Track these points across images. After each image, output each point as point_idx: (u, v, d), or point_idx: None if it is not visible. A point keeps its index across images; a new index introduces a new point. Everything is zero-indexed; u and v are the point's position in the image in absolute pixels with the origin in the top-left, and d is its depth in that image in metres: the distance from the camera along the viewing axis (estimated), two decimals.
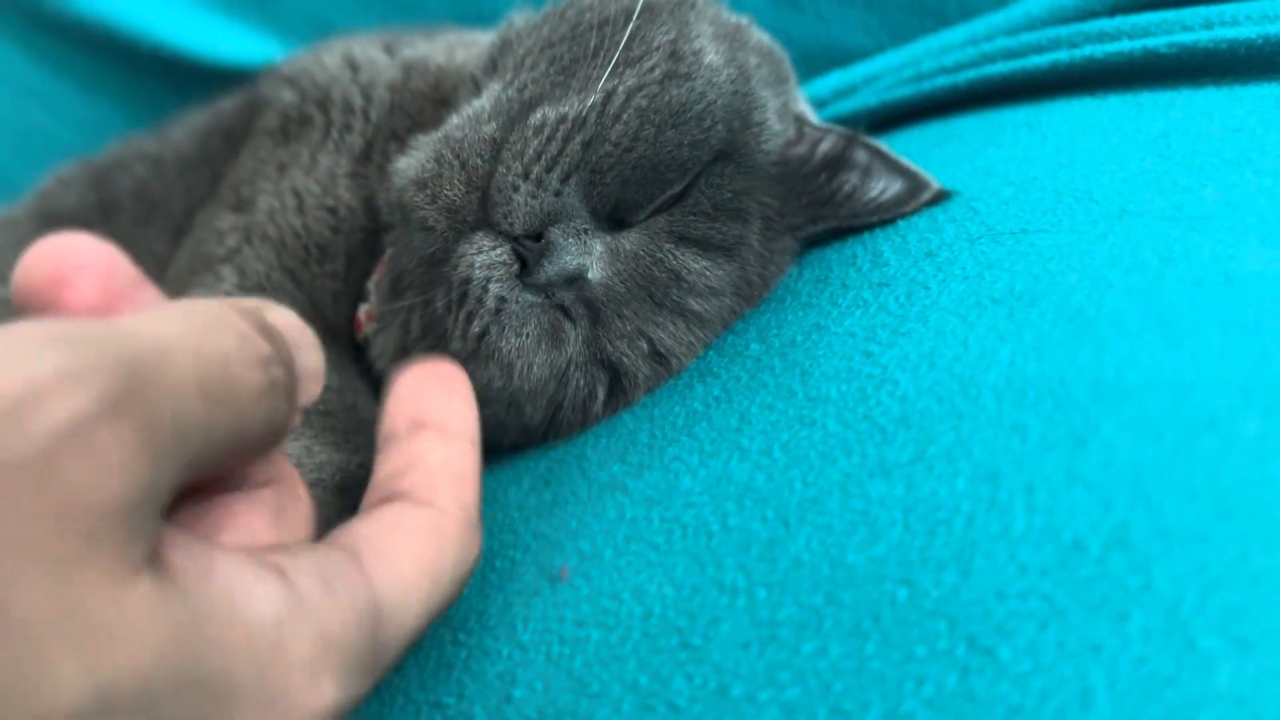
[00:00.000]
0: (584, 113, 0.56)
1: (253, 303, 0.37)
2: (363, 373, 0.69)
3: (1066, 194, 0.56)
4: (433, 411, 0.47)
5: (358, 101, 0.72)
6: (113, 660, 0.27)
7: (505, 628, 0.47)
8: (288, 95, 0.76)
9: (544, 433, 0.61)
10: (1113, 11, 0.75)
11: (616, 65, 0.58)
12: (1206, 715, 0.28)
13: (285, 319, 0.38)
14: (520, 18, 0.69)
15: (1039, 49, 0.72)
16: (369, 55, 0.76)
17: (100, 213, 0.85)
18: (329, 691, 0.34)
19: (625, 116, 0.56)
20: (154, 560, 0.29)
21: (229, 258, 0.70)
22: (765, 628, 0.38)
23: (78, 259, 0.34)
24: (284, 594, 0.33)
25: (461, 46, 0.75)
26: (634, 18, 0.60)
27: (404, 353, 0.63)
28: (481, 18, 0.90)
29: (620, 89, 0.57)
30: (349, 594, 0.36)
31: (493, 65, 0.66)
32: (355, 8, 0.95)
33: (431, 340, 0.60)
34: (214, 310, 0.34)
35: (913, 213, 0.61)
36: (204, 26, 0.99)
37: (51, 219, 0.86)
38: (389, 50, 0.76)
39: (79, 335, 0.28)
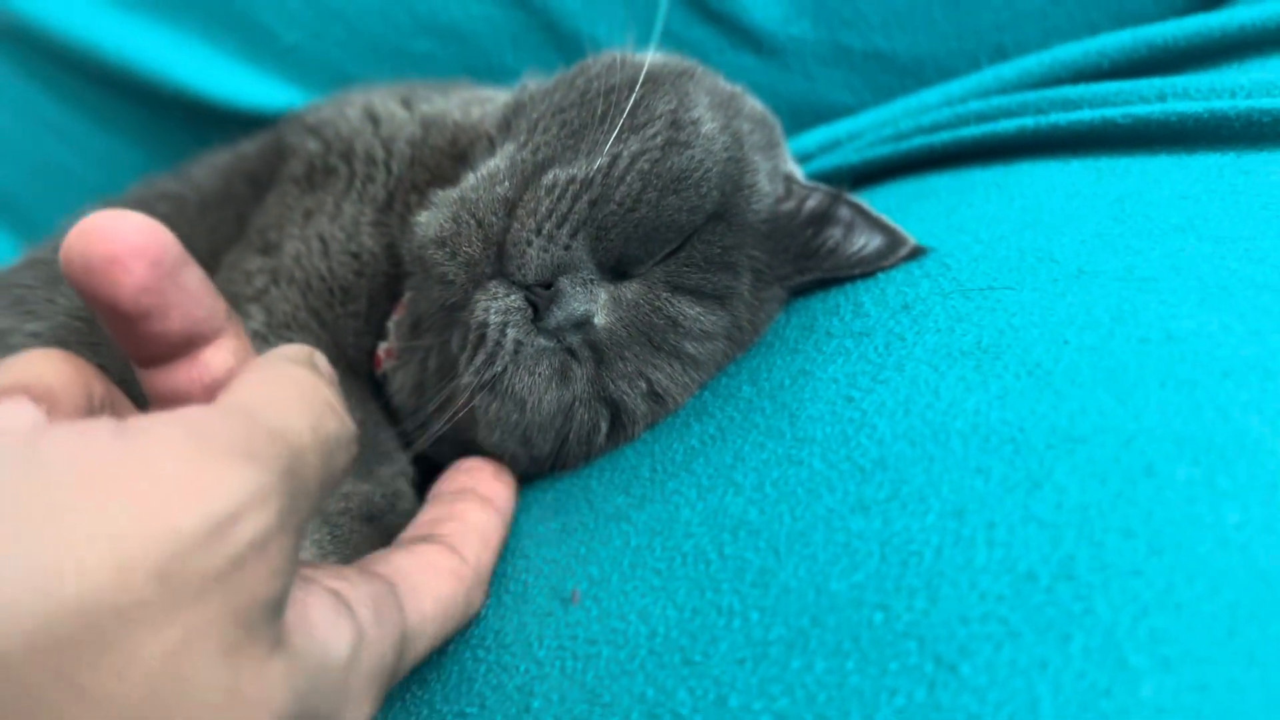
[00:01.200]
0: (591, 174, 0.62)
1: (321, 363, 0.42)
2: (381, 406, 0.74)
3: (1029, 253, 0.61)
4: (484, 488, 0.54)
5: (379, 154, 0.77)
6: None
7: (522, 645, 0.52)
8: (313, 145, 0.81)
9: (551, 463, 0.66)
10: (1076, 78, 0.82)
11: (621, 131, 0.64)
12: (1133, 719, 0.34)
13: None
14: (533, 82, 0.74)
15: (1009, 113, 0.78)
16: (389, 109, 0.81)
17: None
18: (366, 712, 0.39)
19: (629, 179, 0.62)
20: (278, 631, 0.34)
21: (257, 298, 0.75)
22: (759, 646, 0.43)
23: (132, 241, 0.38)
24: (354, 630, 0.38)
25: (476, 103, 0.80)
26: (638, 87, 0.66)
27: (421, 388, 0.68)
28: (491, 72, 0.96)
29: (625, 153, 0.62)
30: (391, 625, 0.42)
31: (506, 125, 0.72)
32: (370, 60, 1.00)
33: (446, 377, 0.65)
34: (318, 392, 0.39)
35: (891, 267, 0.66)
36: (224, 72, 1.04)
37: None
38: (407, 104, 0.82)
39: (258, 449, 0.33)
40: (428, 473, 0.80)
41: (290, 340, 0.72)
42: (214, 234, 0.87)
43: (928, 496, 0.46)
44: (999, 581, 0.40)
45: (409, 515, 0.62)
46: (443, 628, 0.49)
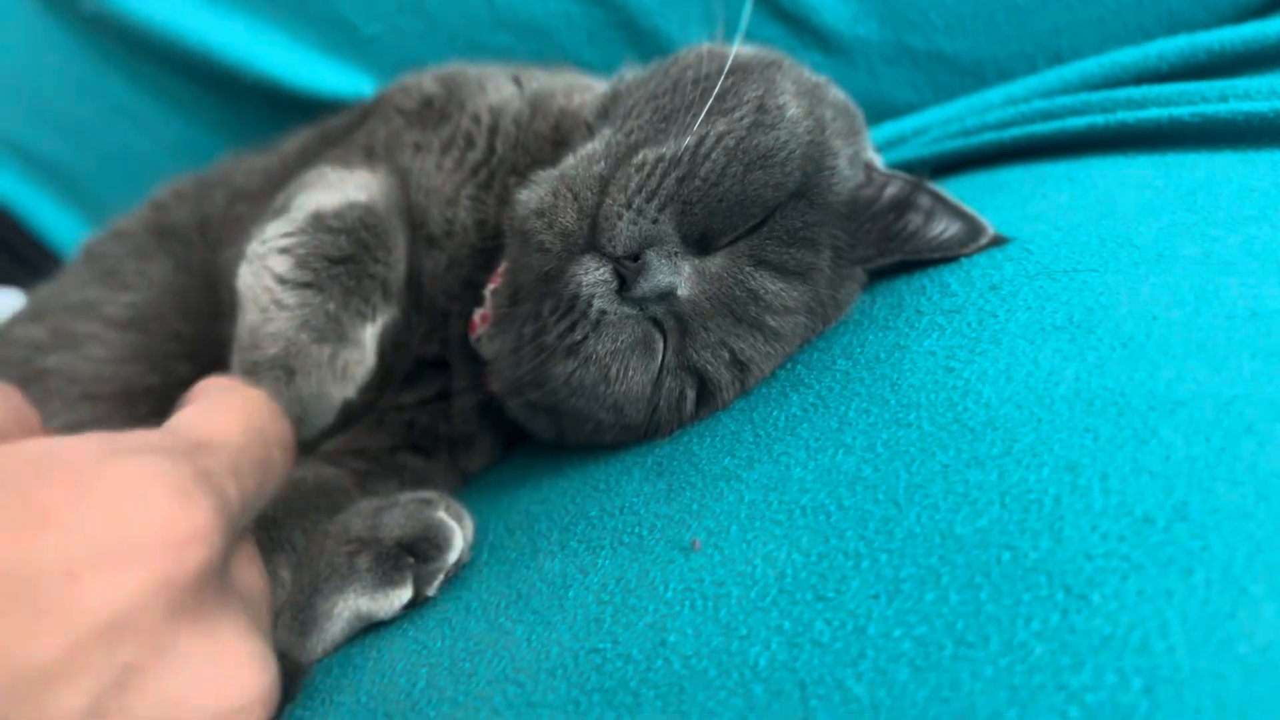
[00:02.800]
0: (679, 153, 0.66)
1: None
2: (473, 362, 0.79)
3: (1110, 240, 0.66)
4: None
5: (485, 119, 0.82)
6: None
7: (647, 588, 0.55)
8: (433, 87, 0.87)
9: (643, 432, 0.70)
10: (1136, 80, 0.86)
11: (710, 114, 0.68)
12: (1260, 637, 0.38)
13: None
14: (630, 72, 0.79)
15: (1074, 112, 0.82)
16: (498, 83, 0.86)
17: (199, 228, 0.94)
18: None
19: (714, 155, 0.66)
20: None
21: (366, 165, 0.81)
22: (890, 584, 0.47)
23: None
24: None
25: (578, 90, 0.84)
26: (727, 75, 0.70)
27: (515, 353, 0.72)
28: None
29: (712, 134, 0.67)
30: None
31: (604, 112, 0.76)
32: (449, 52, 1.04)
33: (536, 341, 0.69)
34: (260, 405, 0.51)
35: (972, 254, 0.70)
36: (304, 62, 1.08)
37: (166, 232, 0.95)
38: (517, 81, 0.86)
39: (213, 468, 0.42)
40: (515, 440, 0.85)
41: (384, 173, 0.80)
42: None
43: (1040, 452, 0.50)
44: (1118, 524, 0.44)
45: None
46: None
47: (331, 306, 0.69)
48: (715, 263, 0.67)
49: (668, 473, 0.65)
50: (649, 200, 0.65)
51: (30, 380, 0.88)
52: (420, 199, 0.80)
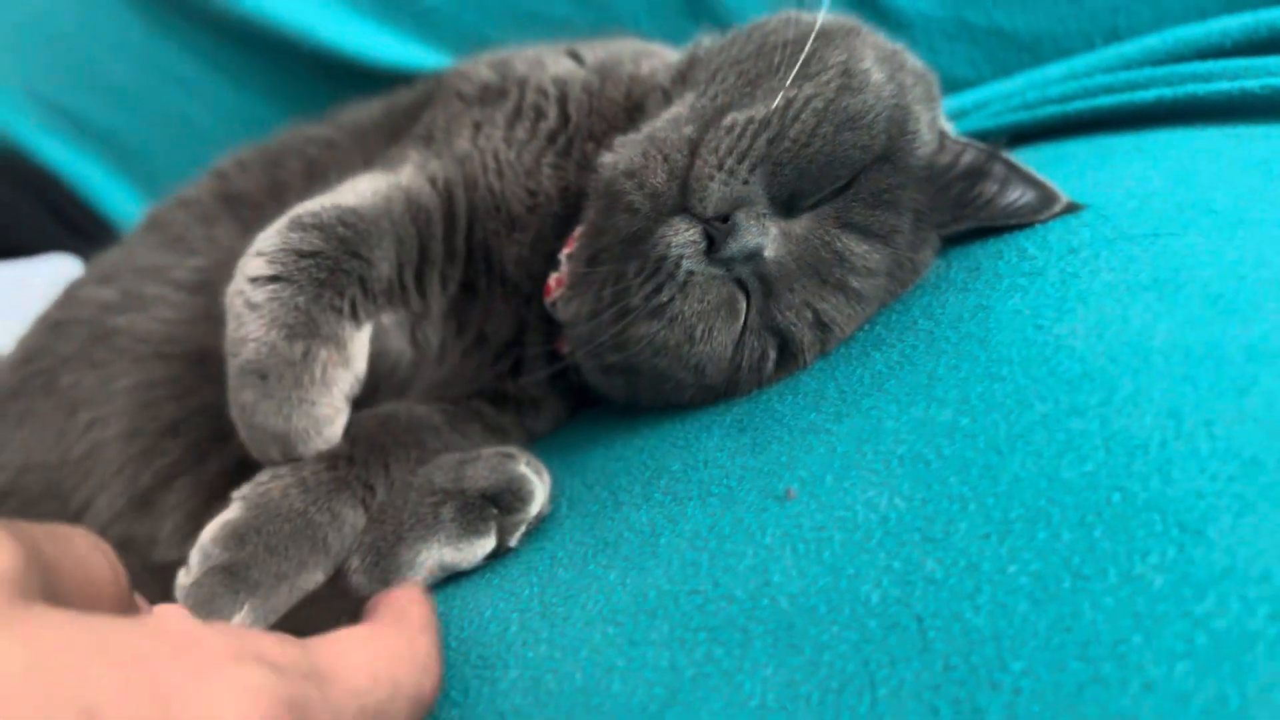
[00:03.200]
0: (769, 115, 0.67)
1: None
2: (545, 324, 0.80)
3: (1187, 206, 0.67)
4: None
5: (551, 90, 0.83)
6: None
7: (743, 534, 0.57)
8: (487, 73, 0.87)
9: (722, 391, 0.71)
10: (1198, 56, 0.87)
11: (796, 78, 0.69)
12: None
13: None
14: (708, 38, 0.80)
15: (1139, 86, 0.84)
16: (555, 58, 0.87)
17: (272, 193, 0.95)
18: None
19: (804, 117, 0.67)
20: None
21: (416, 165, 0.81)
22: (999, 524, 0.48)
23: None
24: None
25: (645, 57, 0.85)
26: (811, 40, 0.71)
27: (595, 316, 0.73)
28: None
29: (800, 96, 0.68)
30: None
31: (681, 79, 0.77)
32: (509, 22, 1.06)
33: (619, 303, 0.70)
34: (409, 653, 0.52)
35: (1046, 221, 0.71)
36: (362, 31, 1.09)
37: (233, 199, 0.96)
38: (574, 56, 0.87)
39: (313, 700, 0.42)
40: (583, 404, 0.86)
41: (420, 186, 0.78)
42: (370, 155, 0.92)
43: (1141, 402, 0.51)
44: (1227, 466, 0.45)
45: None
46: None
47: (301, 300, 0.66)
48: (801, 224, 0.68)
49: (750, 429, 0.67)
50: (740, 161, 0.66)
51: (100, 339, 0.89)
52: (491, 180, 0.80)
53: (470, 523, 0.67)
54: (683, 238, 0.67)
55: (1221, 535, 0.43)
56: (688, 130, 0.69)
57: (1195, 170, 0.72)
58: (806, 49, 0.70)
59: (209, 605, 0.61)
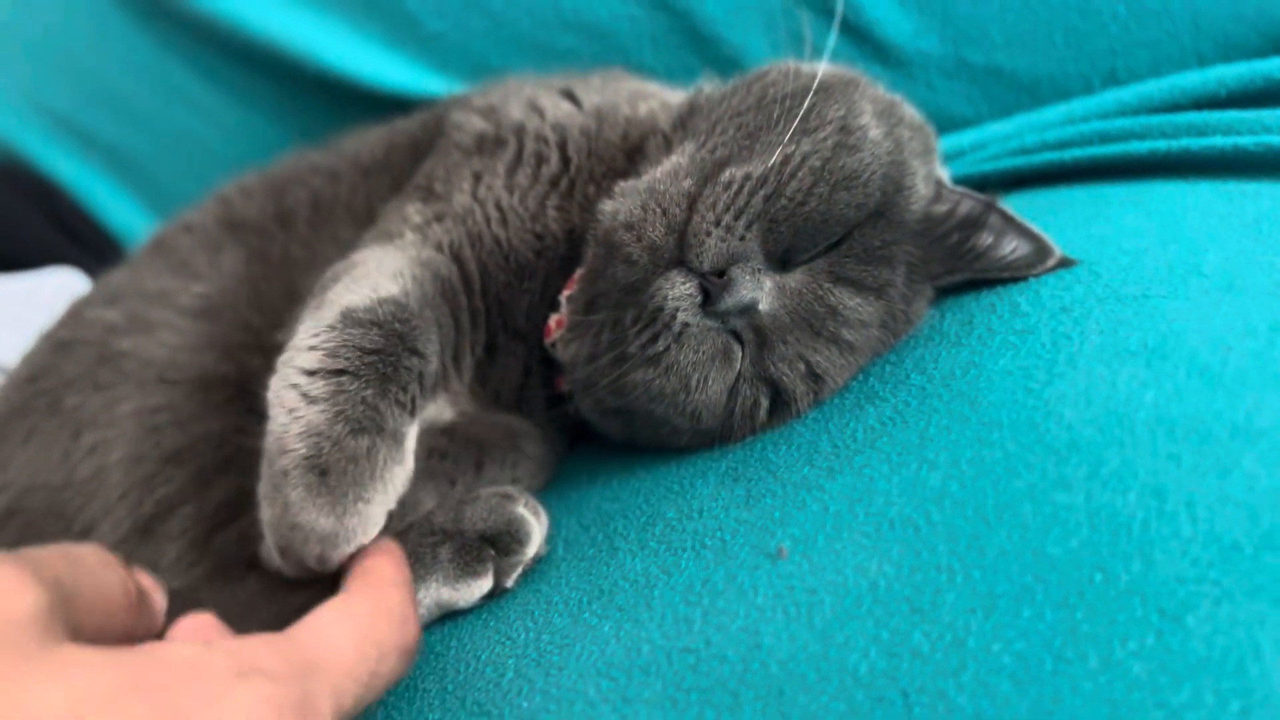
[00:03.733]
0: (766, 173, 0.68)
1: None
2: (544, 364, 0.82)
3: (1178, 266, 0.68)
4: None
5: (550, 136, 0.84)
6: None
7: (736, 591, 0.58)
8: (480, 123, 0.88)
9: (717, 436, 0.72)
10: (1194, 105, 0.88)
11: (795, 134, 0.70)
12: None
13: None
14: (709, 85, 0.81)
15: (1135, 135, 0.85)
16: (552, 101, 0.87)
17: (278, 221, 0.96)
18: None
19: (800, 175, 0.68)
20: None
21: (415, 229, 0.82)
22: (986, 598, 0.49)
23: None
24: None
25: (641, 98, 0.86)
26: (811, 95, 0.72)
27: (592, 359, 0.74)
28: (628, 69, 1.02)
29: (798, 153, 0.69)
30: None
31: (682, 125, 0.78)
32: (513, 51, 1.06)
33: (616, 350, 0.71)
34: (384, 615, 0.56)
35: (1040, 275, 0.72)
36: (367, 55, 1.10)
37: (238, 226, 0.97)
38: (570, 96, 0.88)
39: (314, 692, 0.47)
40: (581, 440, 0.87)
41: (430, 253, 0.79)
42: (372, 196, 0.93)
43: (1126, 477, 0.52)
44: (1207, 550, 0.47)
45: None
46: None
47: (370, 393, 0.64)
48: (795, 278, 0.70)
49: (744, 479, 0.68)
50: (737, 218, 0.67)
51: (106, 360, 0.90)
52: (496, 231, 0.81)
53: (468, 564, 0.68)
54: (679, 291, 0.68)
55: (1199, 624, 0.44)
56: (686, 184, 0.70)
57: (1188, 227, 0.73)
58: (805, 104, 0.71)
59: None
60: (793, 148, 0.69)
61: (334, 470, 0.61)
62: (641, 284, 0.69)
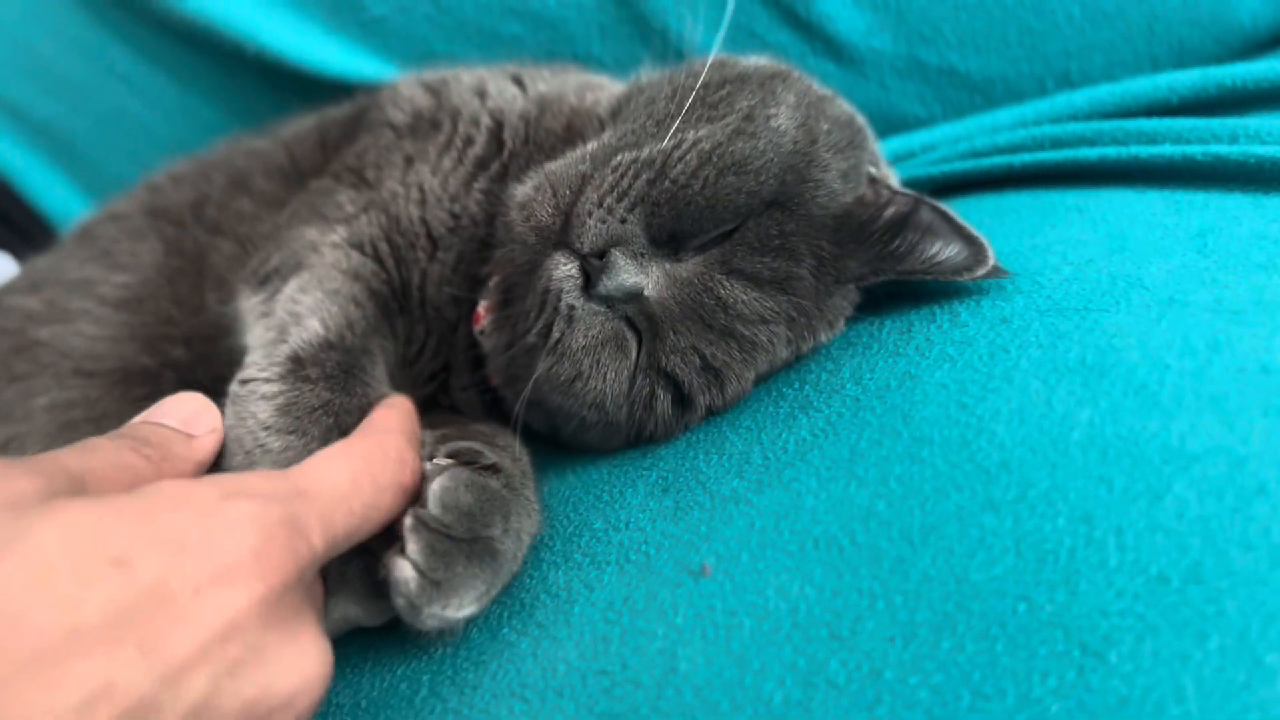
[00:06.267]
0: (653, 155, 0.67)
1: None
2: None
3: (1120, 279, 0.66)
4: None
5: (485, 121, 0.82)
6: None
7: (656, 611, 0.56)
8: (424, 100, 0.86)
9: (627, 433, 0.71)
10: (1145, 112, 0.87)
11: (698, 120, 0.69)
12: (1275, 711, 0.39)
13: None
14: (646, 75, 0.79)
15: (1086, 141, 0.83)
16: (500, 85, 0.85)
17: (193, 210, 0.93)
18: None
19: (687, 159, 0.67)
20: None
21: (346, 220, 0.80)
22: (906, 627, 0.48)
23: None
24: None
25: (590, 89, 0.84)
26: (728, 84, 0.70)
27: (509, 348, 0.73)
28: (576, 61, 1.00)
29: (690, 138, 0.68)
30: None
31: (616, 113, 0.76)
32: (458, 38, 1.03)
33: (524, 340, 0.70)
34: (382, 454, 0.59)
35: (972, 281, 0.70)
36: (309, 38, 1.06)
37: (159, 215, 0.94)
38: (518, 82, 0.86)
39: (301, 515, 0.51)
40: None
41: (359, 259, 0.79)
42: (298, 162, 0.92)
43: (1055, 501, 0.50)
44: (1133, 581, 0.45)
45: None
46: None
47: (314, 447, 0.65)
48: (686, 268, 0.68)
49: (674, 489, 0.66)
50: (619, 200, 0.66)
51: (22, 350, 0.87)
52: (411, 210, 0.80)
53: (376, 584, 0.66)
54: (561, 271, 0.67)
55: (1121, 660, 0.42)
56: (583, 167, 0.69)
57: (1133, 238, 0.71)
58: (714, 93, 0.70)
59: None
60: (690, 133, 0.68)
61: None
62: (532, 266, 0.69)
